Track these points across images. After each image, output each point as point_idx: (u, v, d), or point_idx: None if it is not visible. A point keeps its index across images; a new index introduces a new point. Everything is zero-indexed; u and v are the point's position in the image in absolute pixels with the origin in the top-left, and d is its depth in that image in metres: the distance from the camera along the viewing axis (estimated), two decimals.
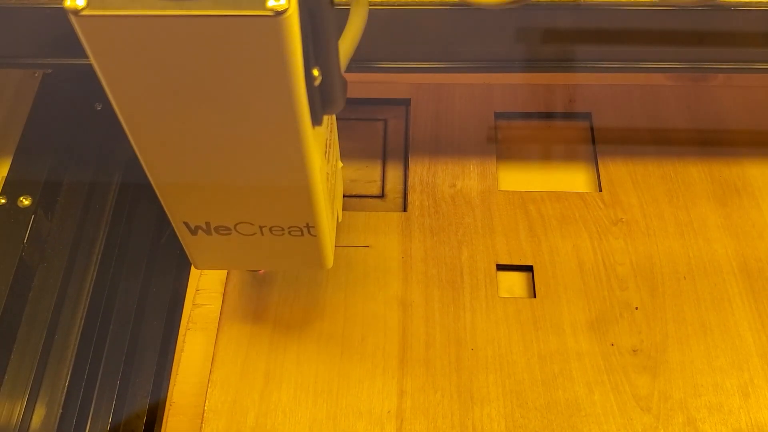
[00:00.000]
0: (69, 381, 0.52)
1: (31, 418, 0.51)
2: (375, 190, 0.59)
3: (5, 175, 0.59)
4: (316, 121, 0.34)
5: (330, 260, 0.43)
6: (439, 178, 0.58)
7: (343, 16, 0.37)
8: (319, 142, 0.37)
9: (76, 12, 0.27)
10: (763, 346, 0.49)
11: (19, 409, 0.50)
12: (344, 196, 0.57)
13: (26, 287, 0.54)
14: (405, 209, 0.57)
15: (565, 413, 0.47)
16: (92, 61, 0.29)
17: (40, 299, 0.54)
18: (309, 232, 0.40)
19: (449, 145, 0.60)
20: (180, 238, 0.41)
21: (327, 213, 0.40)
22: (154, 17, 0.27)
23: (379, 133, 0.62)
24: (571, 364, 0.49)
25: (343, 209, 0.55)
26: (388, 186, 0.59)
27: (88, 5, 0.27)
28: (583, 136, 0.61)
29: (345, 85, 0.35)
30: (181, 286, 0.56)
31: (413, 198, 0.57)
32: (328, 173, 0.42)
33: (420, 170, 0.58)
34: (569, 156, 0.60)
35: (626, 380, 0.48)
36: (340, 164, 0.49)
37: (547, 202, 0.56)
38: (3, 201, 0.57)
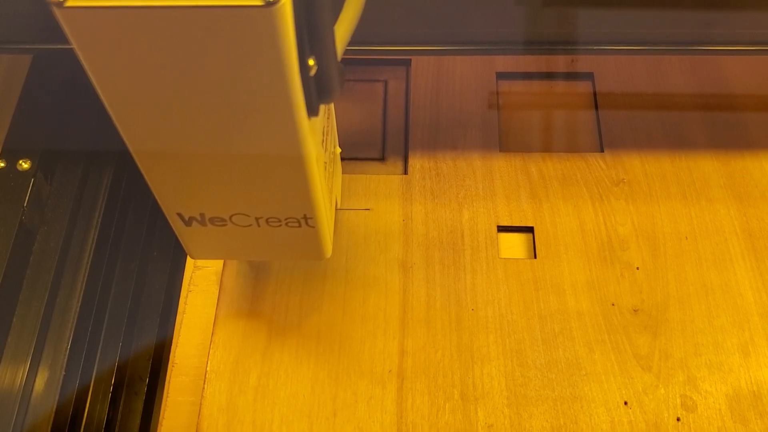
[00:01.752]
0: (71, 343, 0.52)
1: (35, 381, 0.51)
2: (375, 152, 0.58)
3: (4, 138, 0.58)
4: (312, 111, 0.32)
5: (329, 250, 0.43)
6: (440, 140, 0.58)
7: None
8: (315, 132, 0.36)
9: (59, 4, 0.25)
10: (764, 306, 0.49)
11: (22, 372, 0.50)
12: (345, 159, 0.56)
13: (27, 250, 0.54)
14: (406, 172, 0.57)
15: (566, 372, 0.47)
16: (78, 53, 0.28)
17: (41, 262, 0.54)
18: (307, 223, 0.39)
19: (450, 107, 0.59)
20: (174, 229, 0.40)
21: (325, 203, 0.39)
22: (142, 8, 0.26)
23: (380, 95, 0.61)
24: (571, 324, 0.49)
25: (345, 173, 0.55)
26: (389, 148, 0.58)
27: None
28: (584, 97, 0.61)
29: (342, 72, 0.33)
30: (182, 249, 0.56)
31: (414, 160, 0.57)
32: (326, 162, 0.41)
33: (421, 132, 0.58)
34: (571, 116, 0.60)
35: (627, 339, 0.48)
36: (339, 149, 0.48)
37: (548, 163, 0.56)
38: (2, 164, 0.56)
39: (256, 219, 0.38)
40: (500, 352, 0.48)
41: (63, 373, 0.52)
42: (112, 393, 0.52)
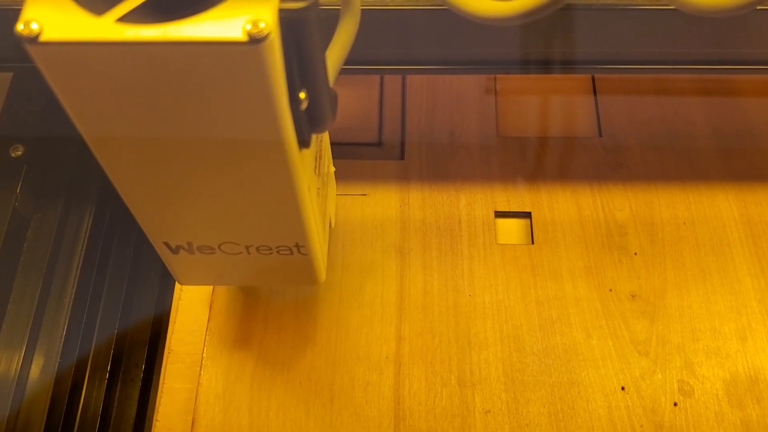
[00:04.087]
0: (66, 329, 0.52)
1: (30, 367, 0.51)
2: (372, 137, 0.58)
3: None
4: (304, 144, 0.31)
5: (322, 275, 0.42)
6: (437, 125, 0.57)
7: (330, 16, 0.33)
8: (307, 162, 0.34)
9: (32, 40, 0.23)
10: (762, 291, 0.49)
11: (17, 359, 0.50)
12: (341, 144, 0.56)
13: (21, 237, 0.54)
14: (402, 157, 0.56)
15: (563, 358, 0.47)
16: (54, 90, 0.26)
17: (36, 249, 0.54)
18: (299, 251, 0.37)
19: (447, 91, 0.59)
20: (160, 256, 0.38)
21: (317, 230, 0.38)
22: (121, 44, 0.24)
23: (376, 79, 0.60)
24: (569, 310, 0.49)
25: (341, 158, 0.55)
26: (386, 133, 0.58)
27: (45, 30, 0.23)
28: (583, 81, 0.60)
29: (335, 100, 0.31)
30: None
31: (411, 145, 0.56)
32: (318, 187, 0.39)
33: (418, 117, 0.58)
34: (569, 100, 0.59)
35: (624, 325, 0.48)
36: (332, 168, 0.47)
37: (546, 148, 0.56)
38: None
39: (246, 247, 0.37)
40: (497, 338, 0.48)
41: (58, 359, 0.51)
42: (107, 380, 0.52)
